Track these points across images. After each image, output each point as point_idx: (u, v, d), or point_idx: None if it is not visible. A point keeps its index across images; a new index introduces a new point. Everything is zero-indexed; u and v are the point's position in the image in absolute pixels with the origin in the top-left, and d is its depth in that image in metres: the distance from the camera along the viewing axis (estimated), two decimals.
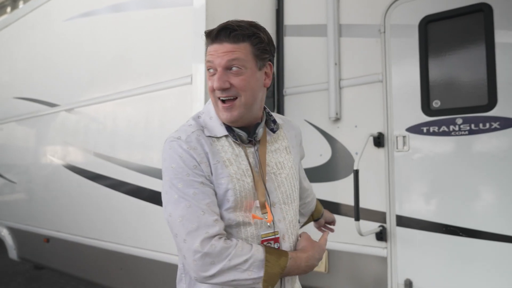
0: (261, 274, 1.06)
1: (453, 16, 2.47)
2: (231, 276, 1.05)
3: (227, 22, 1.15)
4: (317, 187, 2.93)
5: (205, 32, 1.16)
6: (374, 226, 2.66)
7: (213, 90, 1.15)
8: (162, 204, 1.15)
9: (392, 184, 2.63)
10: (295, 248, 1.23)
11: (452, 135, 2.43)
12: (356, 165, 2.53)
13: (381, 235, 2.63)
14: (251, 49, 1.14)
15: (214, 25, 2.59)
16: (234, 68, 1.12)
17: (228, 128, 1.19)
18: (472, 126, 2.36)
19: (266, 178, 1.20)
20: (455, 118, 2.42)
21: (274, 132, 1.28)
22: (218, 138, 1.17)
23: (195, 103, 2.59)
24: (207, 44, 1.17)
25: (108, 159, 3.34)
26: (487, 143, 2.31)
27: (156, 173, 2.88)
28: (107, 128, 3.41)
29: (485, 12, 2.35)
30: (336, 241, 2.80)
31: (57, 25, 4.11)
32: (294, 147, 1.35)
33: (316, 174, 2.95)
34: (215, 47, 1.13)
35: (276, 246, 1.17)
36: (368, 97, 2.78)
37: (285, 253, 1.13)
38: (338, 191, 2.86)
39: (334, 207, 2.84)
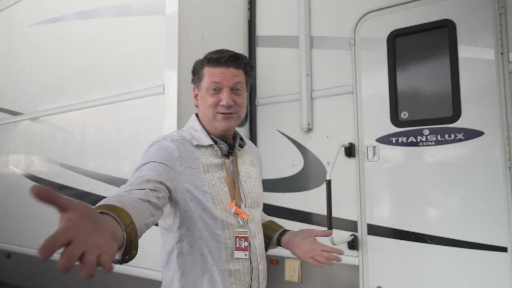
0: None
1: (419, 31, 2.57)
2: None
3: (229, 50, 1.35)
4: (289, 197, 2.95)
5: (212, 57, 1.33)
6: (346, 235, 2.70)
7: (215, 105, 1.32)
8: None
9: (363, 193, 2.68)
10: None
11: (420, 146, 2.51)
12: (328, 175, 2.57)
13: (353, 244, 2.67)
14: (244, 76, 1.37)
15: (186, 34, 2.62)
16: (237, 89, 1.34)
17: (212, 140, 1.36)
18: (438, 137, 2.45)
19: (240, 185, 1.39)
20: (422, 129, 2.51)
21: (242, 147, 1.47)
22: (203, 146, 1.34)
23: (167, 113, 2.55)
24: (208, 66, 1.34)
25: (75, 169, 3.22)
26: (453, 153, 2.41)
27: None
28: (75, 138, 3.30)
29: (449, 28, 2.46)
30: None
31: (22, 30, 3.96)
32: (256, 162, 1.56)
33: (289, 184, 2.97)
34: (221, 70, 1.32)
35: (245, 244, 1.32)
36: (339, 108, 2.83)
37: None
38: (311, 200, 2.88)
39: (307, 217, 2.86)
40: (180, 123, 2.51)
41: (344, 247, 2.69)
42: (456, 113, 2.41)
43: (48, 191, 0.59)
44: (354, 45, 2.79)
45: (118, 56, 3.03)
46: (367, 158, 2.68)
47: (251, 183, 1.42)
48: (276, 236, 1.52)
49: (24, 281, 3.80)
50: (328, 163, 2.80)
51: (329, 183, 2.55)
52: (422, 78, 2.57)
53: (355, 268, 2.68)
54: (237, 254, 1.30)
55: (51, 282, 3.48)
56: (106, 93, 3.05)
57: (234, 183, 1.35)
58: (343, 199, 2.74)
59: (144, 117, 2.78)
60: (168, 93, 2.57)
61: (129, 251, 0.86)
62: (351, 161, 2.74)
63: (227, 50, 1.35)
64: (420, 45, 2.59)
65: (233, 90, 1.33)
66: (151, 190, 1.07)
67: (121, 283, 2.84)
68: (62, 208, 0.63)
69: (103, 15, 3.18)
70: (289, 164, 2.99)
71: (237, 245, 1.30)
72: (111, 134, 2.99)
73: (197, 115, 1.43)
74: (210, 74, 1.33)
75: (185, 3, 2.65)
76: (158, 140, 1.29)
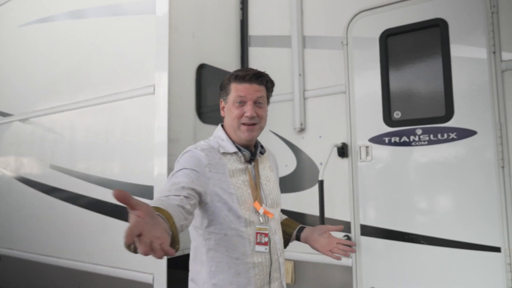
0: None
1: (411, 30, 2.56)
2: None
3: (253, 69, 1.54)
4: (283, 197, 2.92)
5: (238, 75, 1.51)
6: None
7: (240, 117, 1.50)
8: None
9: (356, 194, 2.66)
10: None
11: (413, 145, 2.49)
12: (321, 175, 2.55)
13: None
14: (266, 91, 1.56)
15: (177, 34, 2.59)
16: (259, 103, 1.52)
17: (236, 148, 1.54)
18: (431, 136, 2.44)
19: (261, 188, 1.56)
20: (415, 129, 2.49)
21: (262, 154, 1.64)
22: (228, 153, 1.51)
23: (157, 113, 2.52)
24: (234, 82, 1.52)
25: (65, 171, 3.18)
26: (446, 152, 2.39)
27: (118, 186, 2.77)
28: (65, 139, 3.26)
29: (441, 27, 2.45)
30: (302, 251, 2.80)
31: (11, 30, 3.91)
32: (274, 167, 1.73)
33: (282, 185, 2.91)
34: (246, 86, 1.50)
35: (266, 239, 1.48)
36: (332, 107, 2.81)
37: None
38: (304, 201, 2.86)
39: (300, 218, 2.84)
40: (171, 123, 2.48)
41: None
42: (449, 113, 2.40)
43: (125, 195, 0.81)
44: (347, 44, 2.77)
45: (108, 56, 3.00)
46: (360, 158, 2.66)
47: (270, 186, 1.60)
48: (295, 232, 1.72)
49: (14, 285, 3.75)
50: (320, 164, 2.78)
51: (321, 183, 2.53)
52: (415, 77, 2.55)
53: (348, 269, 2.66)
54: (258, 248, 1.46)
55: (41, 285, 3.43)
56: (96, 93, 3.01)
57: (256, 186, 1.52)
58: (336, 199, 2.72)
59: (135, 117, 2.74)
60: (159, 93, 2.54)
61: (173, 245, 1.01)
62: (344, 161, 2.72)
63: (251, 69, 1.55)
64: (413, 44, 2.58)
65: (256, 103, 1.50)
66: (185, 197, 1.23)
67: (109, 286, 2.80)
68: (132, 207, 0.84)
69: (92, 15, 3.15)
70: (282, 164, 2.97)
71: (258, 240, 1.46)
72: (101, 135, 2.96)
73: (222, 126, 1.61)
74: (236, 89, 1.51)
75: (176, 3, 2.63)
76: (189, 149, 1.47)
